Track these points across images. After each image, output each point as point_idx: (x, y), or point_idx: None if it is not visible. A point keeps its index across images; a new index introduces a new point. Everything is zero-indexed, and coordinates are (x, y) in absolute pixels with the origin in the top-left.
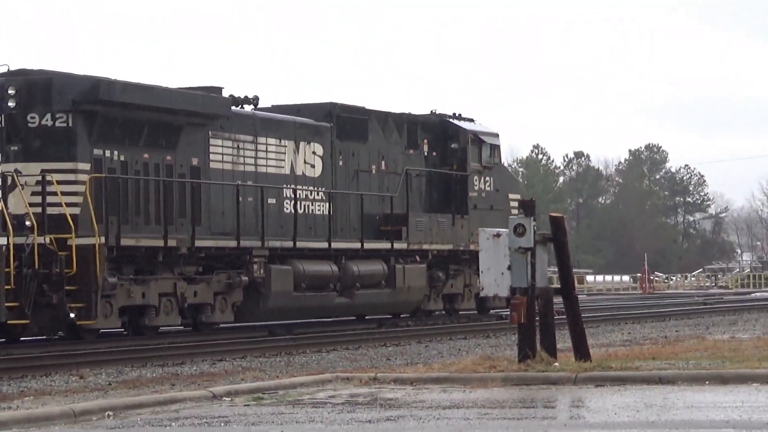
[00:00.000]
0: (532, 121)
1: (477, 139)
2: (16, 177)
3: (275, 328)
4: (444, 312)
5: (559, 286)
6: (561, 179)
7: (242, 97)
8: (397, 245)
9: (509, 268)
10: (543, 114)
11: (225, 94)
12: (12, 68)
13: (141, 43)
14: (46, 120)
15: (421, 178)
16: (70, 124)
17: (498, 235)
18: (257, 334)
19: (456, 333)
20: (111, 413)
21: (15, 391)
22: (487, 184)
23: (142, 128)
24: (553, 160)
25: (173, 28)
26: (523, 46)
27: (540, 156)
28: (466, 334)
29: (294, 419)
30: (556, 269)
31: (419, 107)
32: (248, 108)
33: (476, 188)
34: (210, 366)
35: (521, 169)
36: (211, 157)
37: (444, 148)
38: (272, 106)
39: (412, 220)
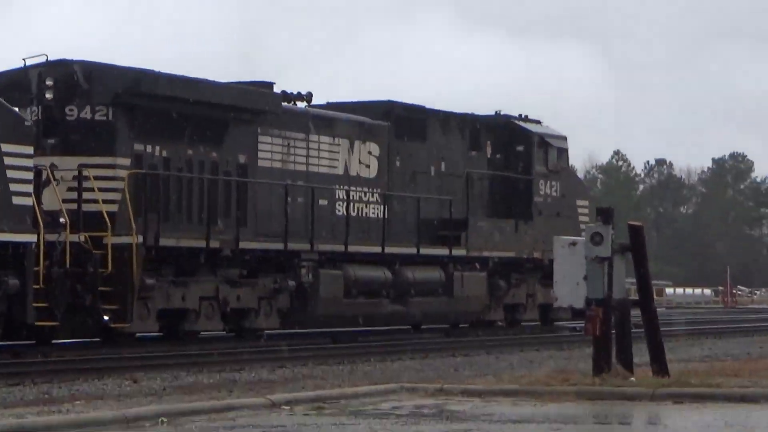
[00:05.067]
0: (612, 126)
1: (543, 141)
2: (51, 172)
3: (339, 335)
4: (505, 323)
5: (637, 298)
6: (641, 187)
7: (294, 93)
8: (455, 251)
9: (585, 278)
10: (624, 119)
11: (276, 89)
12: (50, 58)
13: (188, 36)
14: (85, 113)
15: (483, 181)
16: (110, 118)
17: (574, 244)
18: (318, 341)
19: (527, 344)
20: (165, 419)
21: (65, 394)
22: (554, 189)
23: (187, 124)
24: (633, 168)
25: (226, 20)
26: (604, 48)
27: (620, 163)
28: (538, 346)
29: (356, 431)
30: (634, 281)
31: (484, 108)
32: (301, 105)
33: (541, 193)
34: (269, 373)
35: (600, 176)
36: (260, 155)
37: (508, 151)
38: (327, 103)
39: (472, 226)
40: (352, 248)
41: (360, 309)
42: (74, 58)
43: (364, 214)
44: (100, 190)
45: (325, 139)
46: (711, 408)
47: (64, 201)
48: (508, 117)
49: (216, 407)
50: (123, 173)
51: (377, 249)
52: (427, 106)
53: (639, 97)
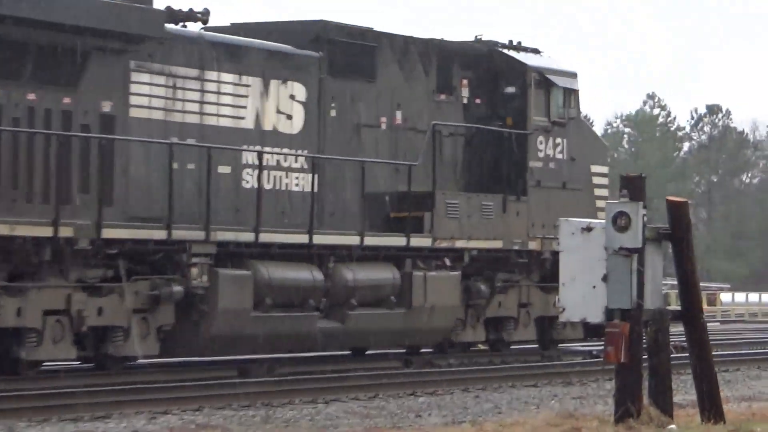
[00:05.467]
0: (644, 62)
1: (544, 79)
2: None
3: (247, 365)
4: (487, 346)
5: (679, 307)
6: (686, 146)
7: (185, 10)
8: (416, 241)
9: (605, 278)
10: (660, 50)
11: (159, 5)
12: None
13: None
14: None
15: (456, 138)
16: None
17: (589, 229)
18: (219, 374)
19: (520, 377)
20: None
21: None
22: (558, 148)
23: (27, 55)
24: (675, 118)
25: None
26: None
27: (656, 111)
28: (535, 380)
29: None
30: (675, 282)
31: (458, 35)
32: (193, 27)
33: (541, 155)
34: (147, 422)
35: (627, 130)
36: (133, 100)
37: (493, 94)
38: (231, 24)
39: (440, 203)
40: (265, 237)
41: (277, 326)
42: None
43: (284, 187)
44: None
45: (227, 77)
46: None
47: None
48: (491, 44)
49: None
50: None
51: (303, 238)
52: (376, 27)
53: (682, 23)
